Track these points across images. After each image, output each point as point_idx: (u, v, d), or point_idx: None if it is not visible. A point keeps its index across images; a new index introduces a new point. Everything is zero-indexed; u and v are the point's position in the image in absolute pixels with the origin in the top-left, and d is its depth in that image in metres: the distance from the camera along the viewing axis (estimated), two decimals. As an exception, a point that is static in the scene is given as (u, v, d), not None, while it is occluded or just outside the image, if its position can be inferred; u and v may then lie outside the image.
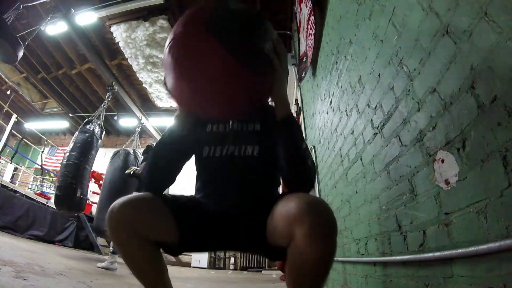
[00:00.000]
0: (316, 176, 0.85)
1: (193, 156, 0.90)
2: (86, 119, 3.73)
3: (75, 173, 3.28)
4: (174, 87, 0.70)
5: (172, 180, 0.83)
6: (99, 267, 2.76)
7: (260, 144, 0.85)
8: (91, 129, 3.57)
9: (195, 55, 0.63)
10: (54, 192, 3.78)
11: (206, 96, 0.67)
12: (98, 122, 3.71)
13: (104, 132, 3.81)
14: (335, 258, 1.67)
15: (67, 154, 3.41)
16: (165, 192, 0.82)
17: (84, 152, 3.41)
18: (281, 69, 0.73)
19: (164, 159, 0.81)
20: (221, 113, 0.76)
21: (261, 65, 0.68)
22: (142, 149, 4.94)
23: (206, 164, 0.88)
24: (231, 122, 0.89)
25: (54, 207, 4.90)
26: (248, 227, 0.77)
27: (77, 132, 3.58)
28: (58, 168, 8.07)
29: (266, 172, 0.87)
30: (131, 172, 3.31)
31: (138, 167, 3.40)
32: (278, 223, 0.65)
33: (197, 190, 0.90)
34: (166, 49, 0.67)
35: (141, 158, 4.08)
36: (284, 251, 0.63)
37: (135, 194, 0.71)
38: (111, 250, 2.94)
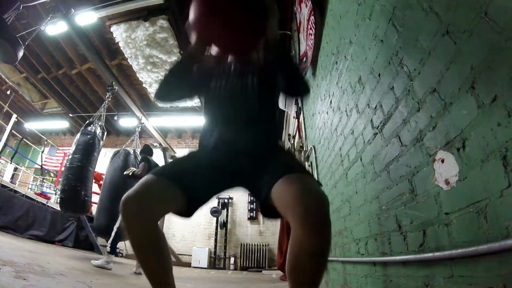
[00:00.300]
0: (310, 90, 0.99)
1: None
2: (88, 121, 3.72)
3: (78, 175, 3.30)
4: (200, 21, 0.90)
5: (179, 95, 1.02)
6: (94, 265, 2.76)
7: (260, 76, 0.99)
8: (93, 130, 3.57)
9: None
10: (58, 194, 3.82)
11: (225, 28, 0.88)
12: (100, 123, 3.71)
13: (105, 133, 3.80)
14: (335, 258, 1.68)
15: (70, 156, 3.42)
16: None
17: (86, 154, 3.42)
18: (276, 12, 0.94)
19: (178, 74, 0.97)
20: (235, 45, 0.97)
21: (262, 9, 0.91)
22: (155, 144, 4.95)
23: (213, 94, 1.00)
24: (234, 62, 1.08)
25: (54, 208, 4.92)
26: (252, 161, 0.84)
27: (78, 134, 3.58)
28: (58, 168, 8.11)
29: (266, 97, 1.00)
30: (130, 174, 3.32)
31: (137, 168, 3.40)
32: (277, 201, 0.70)
33: (204, 128, 1.00)
34: None
35: (153, 161, 4.08)
36: (278, 214, 0.72)
37: (141, 183, 0.75)
38: (108, 250, 2.94)
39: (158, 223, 0.76)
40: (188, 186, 0.79)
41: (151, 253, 0.73)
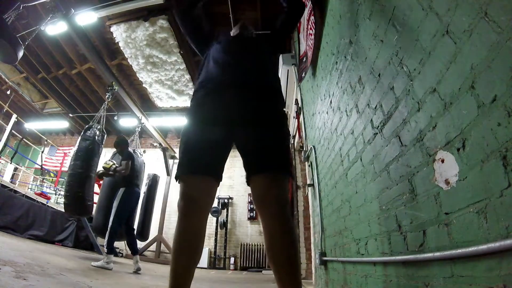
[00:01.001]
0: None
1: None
2: (87, 125, 3.72)
3: (80, 182, 3.34)
4: None
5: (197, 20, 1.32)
6: (93, 266, 2.76)
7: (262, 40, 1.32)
8: (92, 135, 3.58)
9: None
10: (62, 199, 3.92)
11: None
12: (99, 127, 3.71)
13: (105, 136, 3.80)
14: (335, 258, 1.68)
15: (72, 163, 3.45)
16: None
17: (87, 160, 3.43)
18: None
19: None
20: None
21: None
22: (142, 149, 4.95)
23: (220, 44, 1.21)
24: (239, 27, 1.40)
25: (54, 208, 4.92)
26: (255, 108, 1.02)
27: (78, 139, 3.59)
28: (58, 168, 8.11)
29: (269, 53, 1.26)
30: (110, 168, 3.30)
31: (119, 165, 3.39)
32: (256, 190, 0.95)
33: (208, 70, 1.14)
34: None
35: (140, 158, 4.07)
36: None
37: (186, 185, 0.96)
38: (106, 251, 2.95)
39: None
40: (210, 167, 0.97)
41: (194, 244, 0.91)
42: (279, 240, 0.87)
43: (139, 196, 3.63)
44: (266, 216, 0.90)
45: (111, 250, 2.98)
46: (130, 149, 3.71)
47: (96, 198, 4.00)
